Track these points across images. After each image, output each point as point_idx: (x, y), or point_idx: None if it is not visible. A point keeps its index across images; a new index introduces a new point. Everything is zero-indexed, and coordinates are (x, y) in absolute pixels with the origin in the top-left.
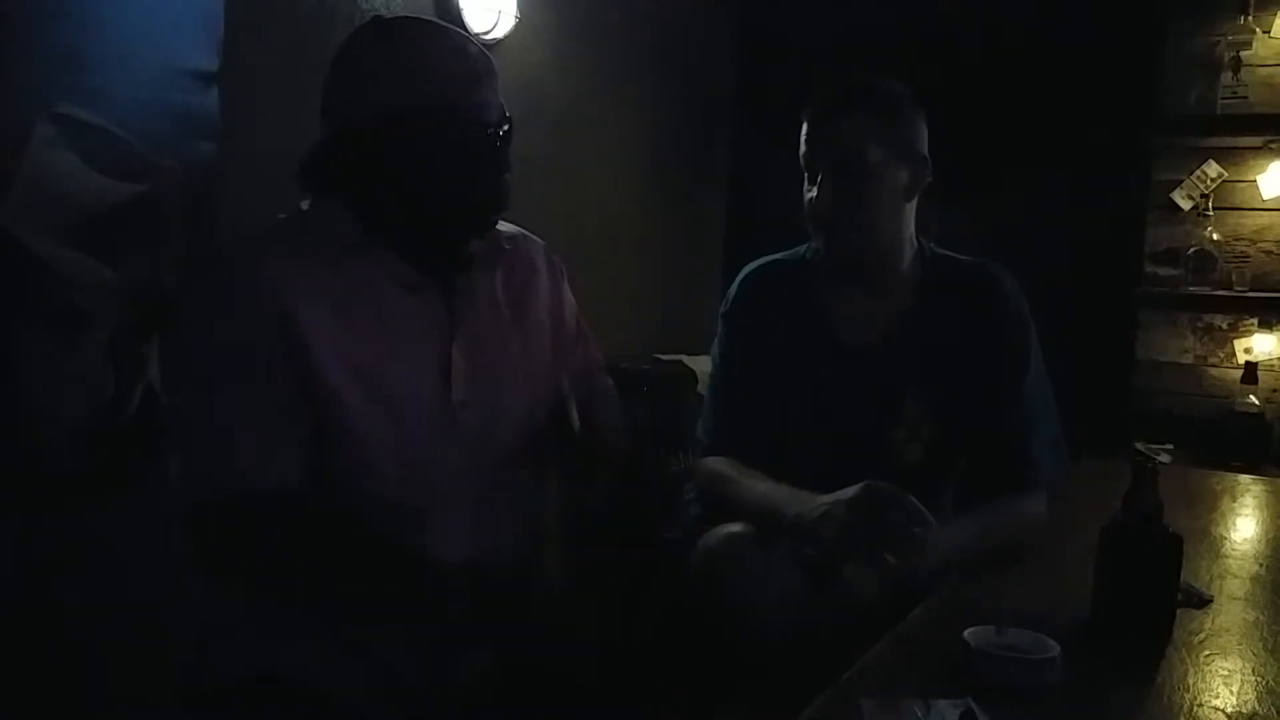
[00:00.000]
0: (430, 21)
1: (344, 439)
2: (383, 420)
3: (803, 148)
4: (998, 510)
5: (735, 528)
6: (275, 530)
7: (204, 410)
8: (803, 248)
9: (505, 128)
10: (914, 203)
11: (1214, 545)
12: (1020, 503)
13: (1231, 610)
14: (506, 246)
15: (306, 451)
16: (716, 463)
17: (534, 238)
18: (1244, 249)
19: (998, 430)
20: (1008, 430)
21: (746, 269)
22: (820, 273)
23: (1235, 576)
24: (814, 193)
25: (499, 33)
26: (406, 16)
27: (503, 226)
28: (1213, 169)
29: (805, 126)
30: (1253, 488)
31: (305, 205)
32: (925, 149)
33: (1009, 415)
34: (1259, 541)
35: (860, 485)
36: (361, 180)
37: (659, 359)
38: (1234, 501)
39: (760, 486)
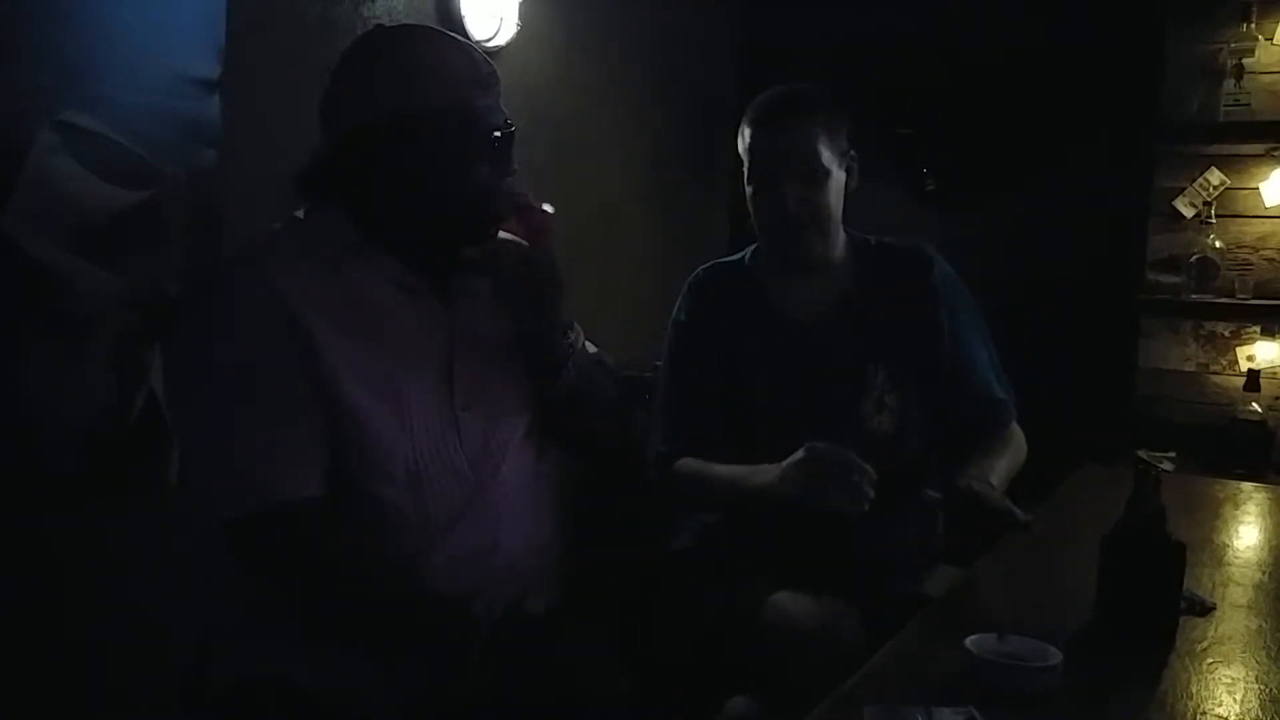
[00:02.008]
0: (434, 28)
1: (354, 443)
2: (391, 424)
3: (755, 155)
4: (1003, 440)
5: (804, 599)
6: (315, 550)
7: (226, 421)
8: (744, 252)
9: (510, 129)
10: None
11: (1217, 553)
12: (1011, 432)
13: (1234, 618)
14: (500, 249)
15: (327, 458)
16: (681, 464)
17: (524, 244)
18: (1246, 256)
19: (969, 384)
20: (978, 383)
21: (692, 275)
22: (765, 271)
23: (1238, 584)
24: (774, 198)
25: (501, 40)
26: (410, 24)
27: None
28: (1215, 176)
29: (752, 134)
30: (1255, 495)
31: (300, 214)
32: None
33: (971, 370)
34: (1262, 549)
35: (802, 448)
36: (363, 184)
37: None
38: (1236, 509)
39: (725, 471)
